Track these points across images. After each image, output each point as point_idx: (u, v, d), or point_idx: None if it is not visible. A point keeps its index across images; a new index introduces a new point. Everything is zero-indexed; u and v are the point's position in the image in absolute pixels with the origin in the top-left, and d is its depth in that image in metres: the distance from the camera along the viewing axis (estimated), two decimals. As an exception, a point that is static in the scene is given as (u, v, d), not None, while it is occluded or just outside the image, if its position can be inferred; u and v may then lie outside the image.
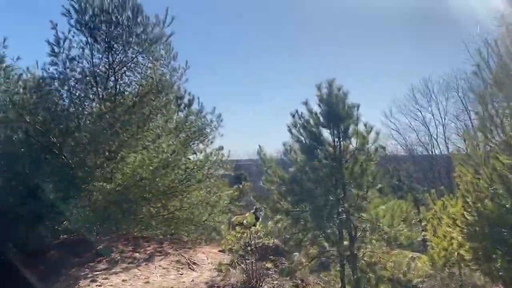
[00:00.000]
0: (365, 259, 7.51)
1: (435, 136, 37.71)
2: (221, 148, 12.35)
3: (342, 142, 7.48)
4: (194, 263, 9.11)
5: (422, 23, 52.11)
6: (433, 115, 38.08)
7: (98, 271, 7.86)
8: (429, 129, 38.21)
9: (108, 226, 10.74)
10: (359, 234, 7.48)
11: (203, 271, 8.74)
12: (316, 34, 60.17)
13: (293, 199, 7.23)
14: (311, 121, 7.67)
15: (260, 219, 11.55)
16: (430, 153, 37.61)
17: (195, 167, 11.42)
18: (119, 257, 8.76)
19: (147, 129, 10.95)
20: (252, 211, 11.99)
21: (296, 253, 7.55)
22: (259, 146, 7.89)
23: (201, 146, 12.93)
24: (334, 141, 7.52)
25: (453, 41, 52.10)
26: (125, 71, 11.70)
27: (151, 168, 10.08)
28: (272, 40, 63.96)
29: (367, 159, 7.24)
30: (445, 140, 36.90)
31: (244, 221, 8.34)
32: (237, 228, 8.52)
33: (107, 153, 10.19)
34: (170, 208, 11.89)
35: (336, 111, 7.44)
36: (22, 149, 10.14)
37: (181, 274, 8.32)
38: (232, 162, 13.06)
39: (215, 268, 8.96)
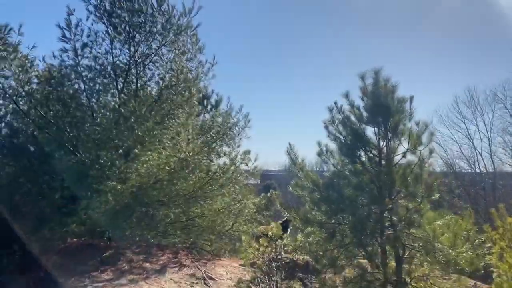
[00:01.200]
0: (414, 284, 6.16)
1: (480, 150, 35.29)
2: (247, 152, 11.18)
3: (390, 143, 6.20)
4: (211, 278, 7.97)
5: (467, 30, 49.85)
6: (478, 128, 35.58)
7: (100, 282, 6.86)
8: (473, 143, 35.77)
9: (120, 231, 9.80)
10: (407, 254, 6.15)
11: (220, 288, 7.61)
12: (353, 33, 58.42)
13: (329, 208, 6.00)
14: (353, 117, 6.45)
15: (289, 231, 10.32)
16: (474, 168, 35.20)
17: (219, 170, 10.33)
18: (127, 267, 7.75)
19: (166, 126, 9.98)
20: (280, 221, 10.75)
21: (329, 274, 6.27)
22: (289, 144, 6.71)
23: (226, 148, 11.95)
24: (379, 141, 6.25)
25: (501, 49, 49.61)
26: (147, 64, 10.83)
27: (167, 168, 9.06)
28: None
29: (420, 164, 5.93)
30: (490, 155, 34.44)
31: (269, 232, 7.12)
32: (261, 240, 7.34)
33: (120, 150, 9.24)
34: (190, 215, 10.88)
35: (384, 105, 6.18)
36: (32, 143, 9.36)
37: (194, 291, 7.21)
38: (259, 168, 11.88)
39: (234, 286, 7.80)
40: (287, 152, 6.64)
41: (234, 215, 11.21)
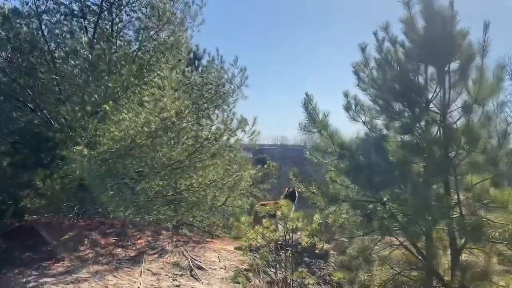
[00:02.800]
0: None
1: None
2: (244, 120, 9.25)
3: (450, 91, 4.45)
4: (200, 267, 6.31)
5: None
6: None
7: (49, 277, 5.13)
8: None
9: (89, 206, 8.07)
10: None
11: (212, 281, 5.94)
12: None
13: (365, 181, 4.26)
14: (397, 56, 4.66)
15: (293, 208, 8.68)
16: None
17: (211, 137, 8.56)
18: (91, 254, 6.04)
19: (146, 81, 8.12)
20: (286, 192, 9.10)
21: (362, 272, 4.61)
22: (306, 94, 4.93)
23: (219, 113, 10.13)
24: (437, 87, 4.50)
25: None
26: (124, 7, 8.84)
27: (147, 130, 7.26)
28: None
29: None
30: None
31: (278, 213, 5.42)
32: (265, 221, 5.67)
33: (89, 107, 7.38)
34: (177, 188, 9.18)
35: (442, 38, 4.40)
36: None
37: (177, 286, 5.53)
38: (257, 135, 10.03)
39: (230, 278, 6.16)
40: (304, 104, 4.85)
41: (228, 189, 9.53)
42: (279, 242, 5.47)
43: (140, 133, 7.30)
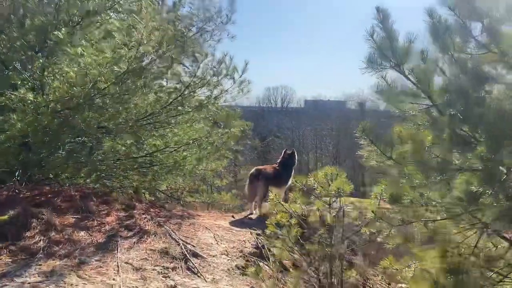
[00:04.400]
0: None
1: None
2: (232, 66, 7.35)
3: None
4: (196, 255, 4.70)
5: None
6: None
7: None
8: None
9: (33, 172, 6.13)
10: None
11: (217, 276, 4.36)
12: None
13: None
14: None
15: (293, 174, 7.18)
16: None
17: (195, 82, 6.77)
18: (41, 242, 4.23)
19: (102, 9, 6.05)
20: (284, 154, 7.54)
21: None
22: (378, 9, 3.25)
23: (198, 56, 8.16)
24: None
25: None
26: None
27: (115, 71, 5.33)
28: None
29: None
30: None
31: (333, 186, 3.79)
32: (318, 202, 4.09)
33: (32, 35, 5.29)
34: (148, 148, 7.40)
35: None
36: None
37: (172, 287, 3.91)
38: (248, 83, 8.14)
39: (237, 268, 4.62)
40: (379, 23, 3.19)
41: (214, 149, 7.83)
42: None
43: (106, 75, 5.38)
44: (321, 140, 39.27)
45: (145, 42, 5.43)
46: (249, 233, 5.84)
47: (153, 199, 9.14)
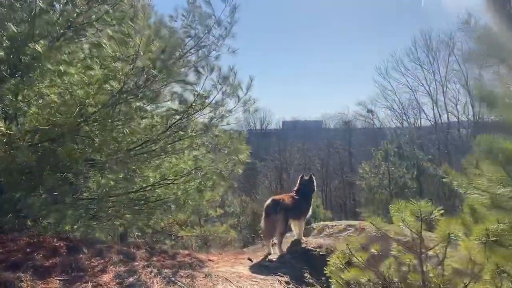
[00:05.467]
0: None
1: (435, 99, 33.71)
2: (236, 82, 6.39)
3: None
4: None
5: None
6: (434, 75, 33.87)
7: None
8: (430, 92, 34.08)
9: (8, 218, 4.94)
10: None
11: None
12: None
13: None
14: None
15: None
16: (433, 120, 33.60)
17: (196, 102, 5.82)
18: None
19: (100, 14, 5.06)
20: (300, 180, 6.57)
21: None
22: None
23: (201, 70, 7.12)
24: None
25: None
26: None
27: (108, 90, 4.32)
28: None
29: None
30: (444, 104, 32.97)
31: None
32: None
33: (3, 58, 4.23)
34: (142, 182, 6.40)
35: None
36: None
37: None
38: (254, 102, 7.12)
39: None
40: None
41: (216, 179, 6.78)
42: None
43: (95, 96, 4.36)
44: (308, 160, 38.53)
45: (142, 54, 4.45)
46: (277, 281, 4.80)
47: (139, 234, 8.05)
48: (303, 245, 6.12)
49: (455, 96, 32.17)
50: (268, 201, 6.10)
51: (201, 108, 6.01)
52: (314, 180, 6.59)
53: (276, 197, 6.23)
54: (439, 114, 32.92)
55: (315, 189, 6.58)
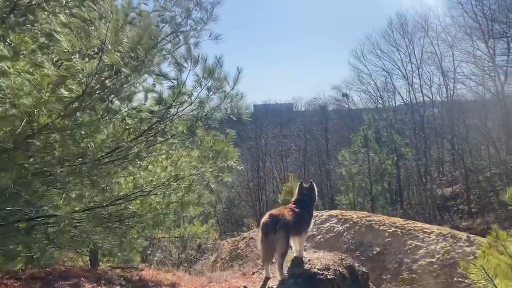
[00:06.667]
0: None
1: (410, 81, 33.51)
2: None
3: None
4: None
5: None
6: (410, 58, 33.63)
7: None
8: (406, 73, 33.82)
9: None
10: None
11: None
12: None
13: None
14: None
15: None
16: (409, 101, 33.43)
17: (172, 97, 4.84)
18: None
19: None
20: (299, 188, 5.72)
21: None
22: None
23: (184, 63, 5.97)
24: None
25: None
26: None
27: (64, 95, 3.27)
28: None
29: None
30: (420, 86, 32.80)
31: None
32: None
33: None
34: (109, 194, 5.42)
35: None
36: None
37: None
38: (239, 98, 6.04)
39: None
40: None
41: (202, 190, 5.81)
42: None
43: (48, 103, 3.31)
44: (285, 146, 37.88)
45: (110, 47, 3.39)
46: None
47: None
48: (307, 266, 5.28)
49: (430, 78, 32.04)
50: (265, 218, 5.18)
51: (183, 107, 5.02)
52: (315, 188, 5.74)
53: (274, 211, 5.30)
54: (415, 96, 32.78)
55: (316, 197, 5.73)
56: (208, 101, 5.35)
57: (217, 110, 5.47)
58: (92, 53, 3.56)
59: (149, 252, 10.14)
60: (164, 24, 5.71)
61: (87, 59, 3.32)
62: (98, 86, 3.42)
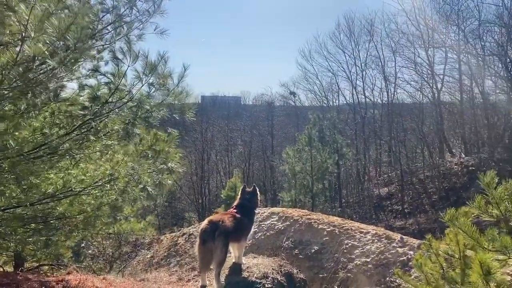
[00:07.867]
0: None
1: (354, 84, 34.44)
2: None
3: None
4: None
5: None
6: (355, 61, 34.54)
7: None
8: (350, 75, 34.69)
9: None
10: None
11: None
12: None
13: None
14: None
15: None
16: (351, 103, 34.35)
17: (112, 93, 4.47)
18: None
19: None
20: (242, 192, 5.52)
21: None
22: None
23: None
24: None
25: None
26: None
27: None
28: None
29: None
30: (363, 88, 33.81)
31: None
32: None
33: None
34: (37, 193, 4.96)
35: None
36: None
37: None
38: (185, 95, 5.66)
39: None
40: None
41: (139, 192, 5.45)
42: None
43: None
44: (231, 141, 37.66)
45: (32, 36, 2.99)
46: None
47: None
48: (245, 274, 5.11)
49: (372, 81, 33.20)
50: (204, 224, 4.93)
51: (120, 104, 4.65)
52: (258, 193, 5.57)
53: (214, 218, 5.06)
54: (357, 97, 33.80)
55: (259, 203, 5.58)
56: (149, 98, 5.01)
57: (159, 108, 5.13)
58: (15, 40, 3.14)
59: (82, 245, 9.56)
60: (105, 13, 5.26)
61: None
62: (18, 78, 3.00)
